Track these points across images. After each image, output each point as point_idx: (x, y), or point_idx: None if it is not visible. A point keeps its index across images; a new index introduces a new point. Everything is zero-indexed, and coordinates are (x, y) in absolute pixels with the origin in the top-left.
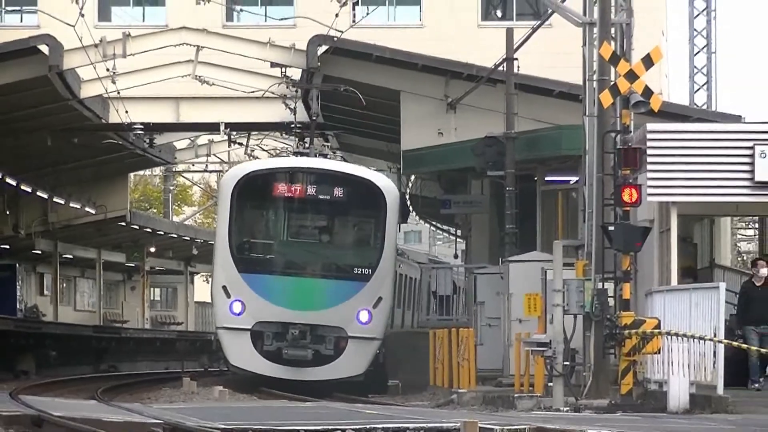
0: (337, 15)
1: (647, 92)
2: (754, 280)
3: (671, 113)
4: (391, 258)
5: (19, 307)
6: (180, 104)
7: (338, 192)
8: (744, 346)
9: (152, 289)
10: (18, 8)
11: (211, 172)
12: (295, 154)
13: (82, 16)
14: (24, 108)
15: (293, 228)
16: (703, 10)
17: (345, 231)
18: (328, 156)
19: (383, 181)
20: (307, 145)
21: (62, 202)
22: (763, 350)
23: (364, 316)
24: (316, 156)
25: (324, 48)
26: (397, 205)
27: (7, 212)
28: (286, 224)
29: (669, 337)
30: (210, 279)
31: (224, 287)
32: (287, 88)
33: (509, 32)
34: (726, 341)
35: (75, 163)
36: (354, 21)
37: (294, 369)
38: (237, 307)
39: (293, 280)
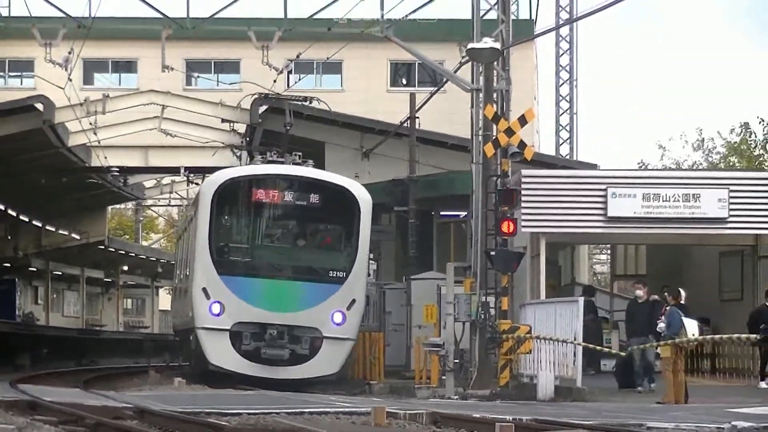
0: (275, 81)
1: (522, 145)
2: (637, 299)
3: (541, 161)
4: (364, 262)
5: (17, 313)
6: (148, 152)
7: (314, 198)
8: (600, 348)
9: (125, 299)
10: (19, 74)
11: (173, 206)
12: (270, 162)
13: (70, 80)
14: (22, 153)
15: (271, 232)
16: (566, 80)
17: (320, 235)
18: (307, 163)
19: (357, 189)
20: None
21: (53, 229)
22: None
23: (338, 317)
24: (291, 164)
25: (264, 107)
26: (370, 212)
27: (9, 237)
28: (264, 228)
29: (538, 340)
30: (174, 288)
31: (204, 289)
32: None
33: (412, 96)
34: (583, 343)
35: (63, 198)
36: (288, 86)
37: (271, 368)
38: (216, 309)
39: (271, 282)
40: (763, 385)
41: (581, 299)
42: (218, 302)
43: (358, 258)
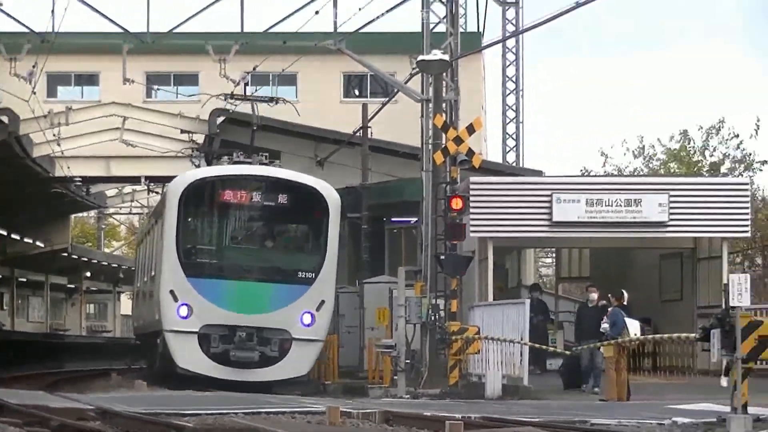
0: (232, 92)
1: (470, 153)
2: (588, 303)
3: (489, 169)
4: (333, 262)
5: None
6: (110, 162)
7: (282, 198)
8: (540, 346)
9: (88, 304)
10: None
11: (134, 214)
12: (236, 162)
13: (34, 93)
14: None
15: (239, 233)
16: (513, 90)
17: (289, 236)
18: (275, 163)
19: (326, 189)
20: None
21: (18, 237)
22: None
23: (307, 318)
24: (258, 164)
25: (222, 118)
26: (339, 212)
27: None
28: (231, 230)
29: (486, 340)
30: (136, 292)
31: (171, 291)
32: (192, 151)
33: (364, 107)
34: (529, 343)
35: (28, 207)
36: (245, 97)
37: (240, 370)
38: (184, 311)
39: (239, 284)
40: (723, 382)
41: (527, 301)
42: (186, 304)
43: (327, 258)
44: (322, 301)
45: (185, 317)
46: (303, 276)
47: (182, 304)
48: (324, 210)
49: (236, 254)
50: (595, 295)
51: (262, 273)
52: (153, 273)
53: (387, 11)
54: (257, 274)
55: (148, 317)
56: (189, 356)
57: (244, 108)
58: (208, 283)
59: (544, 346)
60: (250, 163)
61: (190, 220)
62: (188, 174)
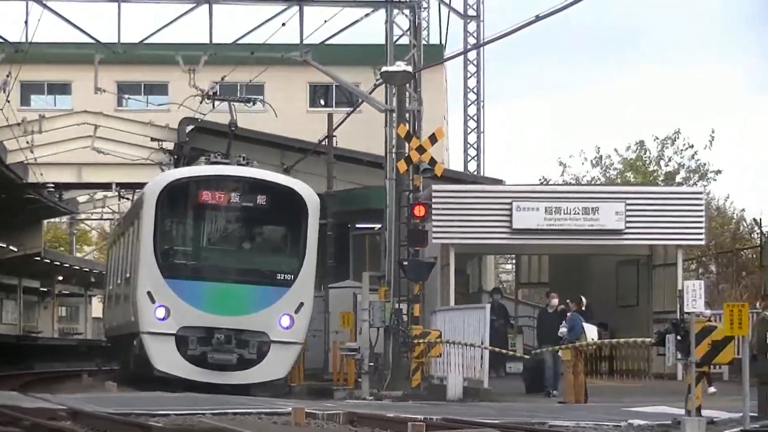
0: (201, 102)
1: (432, 162)
2: (548, 308)
3: (450, 177)
4: (312, 264)
5: None
6: (82, 169)
7: (261, 199)
8: (498, 349)
9: (60, 307)
10: None
11: (105, 220)
12: (214, 163)
13: (8, 102)
14: None
15: (217, 234)
16: (474, 101)
17: (267, 237)
18: (252, 164)
19: (304, 189)
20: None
21: None
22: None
23: (285, 321)
24: (236, 164)
25: (191, 127)
26: (318, 213)
27: None
28: (209, 231)
29: (447, 344)
30: (107, 295)
31: (149, 293)
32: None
33: (330, 116)
34: (489, 347)
35: (1, 213)
36: (213, 107)
37: (219, 373)
38: (161, 313)
39: (217, 285)
40: (711, 389)
41: (488, 306)
42: (163, 306)
43: (306, 260)
44: (301, 304)
45: (162, 319)
46: (282, 278)
47: (159, 306)
48: (303, 211)
49: (214, 255)
50: (555, 301)
51: (241, 274)
52: (128, 275)
53: (352, 24)
54: (235, 275)
55: (123, 319)
56: (166, 358)
57: (212, 117)
58: (185, 285)
59: (503, 350)
60: (227, 163)
61: (167, 220)
62: (166, 174)
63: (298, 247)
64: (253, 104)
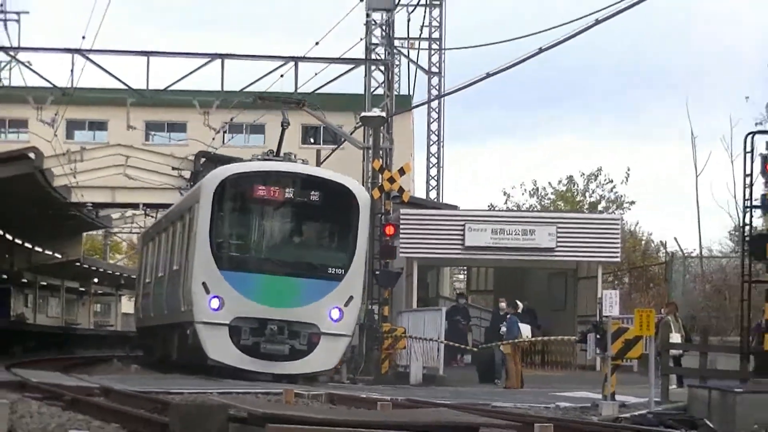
0: (213, 138)
1: (401, 190)
2: (500, 310)
3: (415, 203)
4: (361, 259)
5: (12, 314)
6: (115, 191)
7: (314, 195)
8: (461, 345)
9: (95, 304)
10: (16, 130)
11: (133, 233)
12: (266, 159)
13: (56, 136)
14: (18, 191)
15: (271, 228)
16: (435, 141)
17: (320, 232)
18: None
19: (357, 187)
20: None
21: (40, 250)
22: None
23: (335, 313)
24: (291, 160)
25: (204, 159)
26: (369, 209)
27: (6, 255)
28: (264, 224)
29: (411, 339)
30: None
31: (204, 284)
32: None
33: (318, 152)
34: (444, 341)
35: (48, 226)
36: (224, 143)
37: (270, 363)
38: (215, 303)
39: (270, 278)
40: (673, 384)
41: (444, 308)
42: (217, 297)
43: (356, 255)
44: (351, 297)
45: (217, 309)
46: (333, 272)
47: (214, 297)
48: (355, 208)
49: (268, 249)
50: (503, 305)
51: (293, 268)
52: (176, 267)
53: (337, 77)
54: (288, 268)
55: (170, 309)
56: (219, 348)
57: (223, 150)
58: (239, 276)
59: (456, 344)
60: (282, 160)
61: (223, 213)
62: (223, 169)
63: (348, 242)
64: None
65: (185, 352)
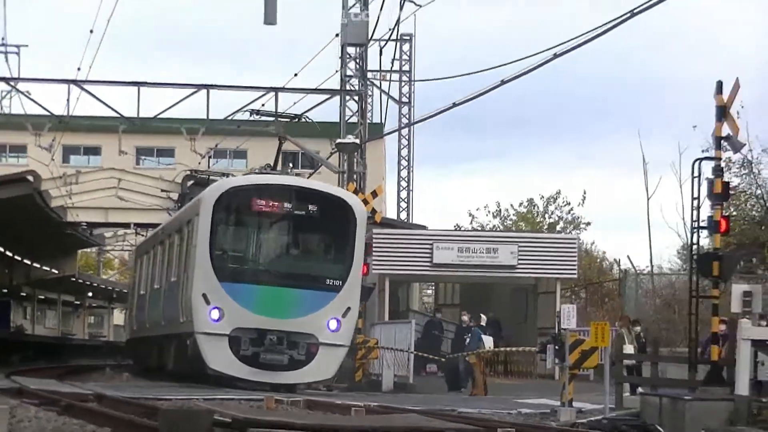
0: (199, 163)
1: (373, 211)
2: (462, 323)
3: (387, 223)
4: (358, 271)
5: (11, 325)
6: (108, 212)
7: (313, 208)
8: (426, 354)
9: (89, 316)
10: (16, 155)
11: (125, 250)
12: (264, 172)
13: (53, 160)
14: (18, 212)
15: (270, 240)
16: (405, 166)
17: (318, 244)
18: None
19: (353, 200)
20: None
21: (38, 266)
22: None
23: (333, 324)
24: (288, 174)
25: (191, 182)
26: (365, 223)
27: (6, 271)
28: (263, 237)
29: (383, 349)
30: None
31: (204, 295)
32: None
33: (297, 176)
34: (414, 352)
35: (46, 244)
36: (209, 167)
37: (269, 372)
38: (216, 314)
39: (269, 289)
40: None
41: (413, 321)
42: (217, 308)
43: (353, 267)
44: (348, 308)
45: (217, 320)
46: (331, 283)
47: (214, 308)
48: (352, 220)
49: (267, 260)
50: (465, 318)
51: (292, 279)
52: (174, 279)
53: (314, 106)
54: (287, 280)
55: (167, 320)
56: (219, 358)
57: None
58: (239, 288)
59: (431, 355)
60: (279, 173)
61: (223, 226)
62: (223, 182)
63: (346, 254)
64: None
65: (184, 362)
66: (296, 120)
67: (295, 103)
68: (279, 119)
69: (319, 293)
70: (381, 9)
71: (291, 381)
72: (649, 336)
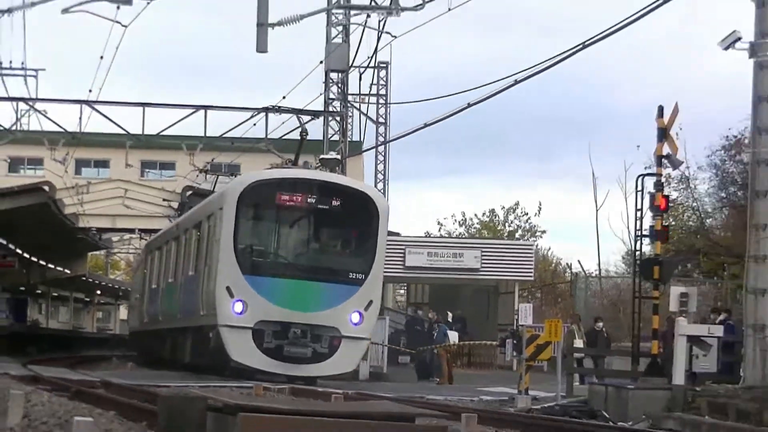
0: (197, 176)
1: None
2: (431, 320)
3: None
4: (380, 264)
5: (28, 320)
6: (116, 218)
7: (336, 202)
8: (402, 347)
9: (98, 312)
10: (33, 167)
11: (130, 253)
12: (285, 167)
13: (66, 172)
14: (34, 218)
15: (294, 234)
16: (381, 180)
17: (341, 238)
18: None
19: (376, 195)
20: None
21: (53, 266)
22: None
23: (356, 317)
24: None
25: (189, 192)
26: (388, 217)
27: (24, 271)
28: (287, 230)
29: None
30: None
31: (228, 288)
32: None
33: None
34: (388, 345)
35: (59, 247)
36: (206, 179)
37: (293, 365)
38: (239, 307)
39: (293, 282)
40: (576, 381)
41: (387, 318)
42: (241, 301)
43: (375, 260)
44: (371, 301)
45: (240, 313)
46: (353, 277)
47: (237, 300)
48: (375, 214)
49: (291, 254)
50: (432, 315)
51: (316, 272)
52: (192, 273)
53: (300, 125)
54: (311, 273)
55: (184, 313)
56: (243, 350)
57: (205, 185)
58: (263, 281)
59: (396, 347)
60: (302, 167)
61: (246, 219)
62: (247, 176)
63: (368, 247)
64: (234, 175)
65: (204, 354)
66: (302, 137)
67: (283, 123)
68: (268, 138)
69: (342, 287)
70: (360, 40)
71: (314, 374)
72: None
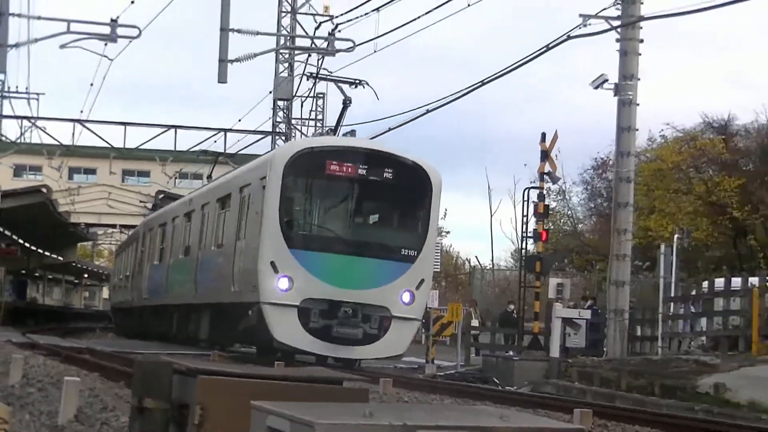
0: (168, 182)
1: None
2: None
3: None
4: (433, 241)
5: (27, 297)
6: (101, 216)
7: (388, 173)
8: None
9: (85, 291)
10: (34, 173)
11: (113, 244)
12: (331, 133)
13: (61, 177)
14: (34, 214)
15: (343, 207)
16: None
17: (393, 213)
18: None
19: (430, 167)
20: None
21: (48, 254)
22: None
23: (407, 297)
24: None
25: (162, 195)
26: (441, 191)
27: (25, 258)
28: (336, 203)
29: None
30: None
31: (272, 263)
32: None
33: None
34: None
35: (54, 238)
36: (175, 185)
37: (342, 347)
38: (284, 284)
39: (342, 258)
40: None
41: None
42: (287, 277)
43: (428, 237)
44: (422, 280)
45: (285, 290)
46: (405, 253)
47: (282, 276)
48: (429, 187)
49: (340, 228)
50: None
51: (366, 248)
52: (214, 248)
53: (253, 143)
54: (361, 249)
55: (208, 289)
56: (287, 330)
57: (175, 190)
58: (310, 256)
59: None
60: (353, 135)
61: (294, 189)
62: (294, 143)
63: (422, 223)
64: (210, 178)
65: (246, 333)
66: (344, 105)
67: (238, 140)
68: (226, 153)
69: (394, 264)
70: (303, 74)
71: (363, 356)
72: (490, 315)
